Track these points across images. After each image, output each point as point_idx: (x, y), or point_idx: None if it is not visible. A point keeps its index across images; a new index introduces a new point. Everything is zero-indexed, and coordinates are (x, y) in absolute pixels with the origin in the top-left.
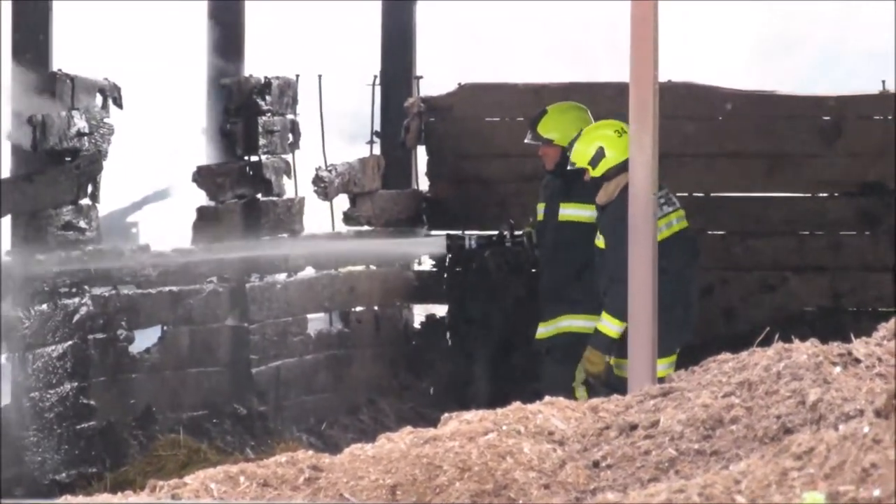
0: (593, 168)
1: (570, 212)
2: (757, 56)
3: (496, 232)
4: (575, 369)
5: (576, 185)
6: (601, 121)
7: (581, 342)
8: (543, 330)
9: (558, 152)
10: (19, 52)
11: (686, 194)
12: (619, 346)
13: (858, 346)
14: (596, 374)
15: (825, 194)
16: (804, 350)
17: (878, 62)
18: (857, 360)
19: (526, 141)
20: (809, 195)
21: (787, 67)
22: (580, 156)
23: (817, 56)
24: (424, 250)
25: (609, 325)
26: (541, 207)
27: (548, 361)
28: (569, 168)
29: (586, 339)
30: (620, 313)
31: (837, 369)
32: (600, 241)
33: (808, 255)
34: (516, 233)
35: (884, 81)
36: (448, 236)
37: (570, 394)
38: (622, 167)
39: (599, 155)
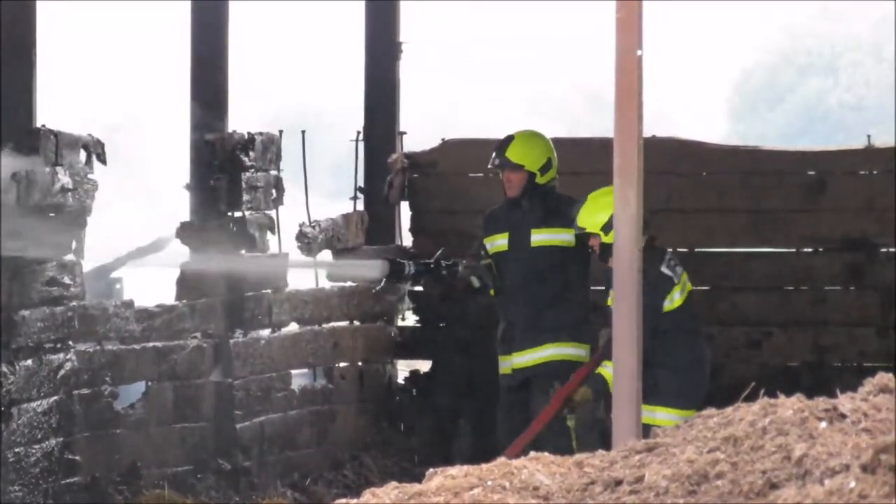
0: (605, 234)
1: (544, 237)
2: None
3: (431, 260)
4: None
5: (547, 209)
6: (604, 188)
7: (570, 370)
8: (526, 359)
9: (524, 178)
10: (4, 109)
11: (670, 249)
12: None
13: (844, 402)
14: (577, 405)
15: (810, 249)
16: (789, 405)
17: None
18: (843, 416)
19: (490, 166)
20: (794, 250)
21: (771, 121)
22: (590, 222)
23: (802, 110)
24: (368, 273)
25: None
26: (499, 238)
27: (535, 392)
28: (576, 233)
29: (575, 367)
30: None
31: (823, 424)
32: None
33: (792, 310)
34: (445, 262)
35: (869, 136)
36: (389, 260)
37: (561, 425)
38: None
39: (611, 224)
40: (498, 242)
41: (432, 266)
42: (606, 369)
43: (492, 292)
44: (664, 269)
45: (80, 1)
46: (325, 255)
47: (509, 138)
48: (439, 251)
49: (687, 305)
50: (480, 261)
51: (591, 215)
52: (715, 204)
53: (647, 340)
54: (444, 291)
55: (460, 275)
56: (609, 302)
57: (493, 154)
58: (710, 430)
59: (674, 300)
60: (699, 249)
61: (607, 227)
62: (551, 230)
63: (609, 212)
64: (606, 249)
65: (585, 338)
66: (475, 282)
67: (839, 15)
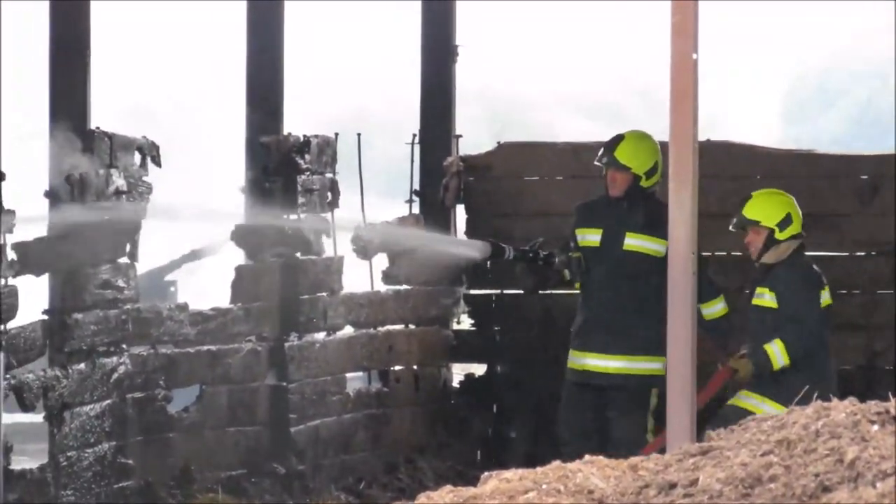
0: (780, 231)
1: (637, 242)
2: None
3: (528, 247)
4: (646, 415)
5: (647, 215)
6: (773, 189)
7: (648, 385)
8: (603, 364)
9: (630, 179)
10: (58, 110)
11: (724, 254)
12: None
13: None
14: (742, 378)
15: (862, 253)
16: (842, 409)
17: None
18: (895, 419)
19: (597, 163)
20: (846, 254)
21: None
22: (768, 216)
23: (854, 114)
24: (471, 252)
25: (778, 355)
26: (591, 233)
27: (613, 405)
28: (735, 227)
29: (659, 382)
30: (793, 351)
31: (875, 427)
32: (763, 300)
33: (844, 313)
34: (543, 252)
35: None
36: (492, 242)
37: (641, 442)
38: (799, 235)
39: (787, 221)
40: (589, 237)
41: (530, 255)
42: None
43: (577, 285)
44: (815, 268)
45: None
46: (381, 258)
47: (619, 137)
48: (537, 240)
49: (828, 312)
50: (568, 251)
51: (766, 210)
52: None
53: (815, 326)
54: (538, 281)
55: (556, 266)
56: (760, 302)
57: (602, 151)
58: (764, 434)
59: (825, 298)
60: None
61: (783, 225)
62: (646, 237)
63: (786, 210)
64: (770, 245)
65: (662, 351)
66: (567, 274)
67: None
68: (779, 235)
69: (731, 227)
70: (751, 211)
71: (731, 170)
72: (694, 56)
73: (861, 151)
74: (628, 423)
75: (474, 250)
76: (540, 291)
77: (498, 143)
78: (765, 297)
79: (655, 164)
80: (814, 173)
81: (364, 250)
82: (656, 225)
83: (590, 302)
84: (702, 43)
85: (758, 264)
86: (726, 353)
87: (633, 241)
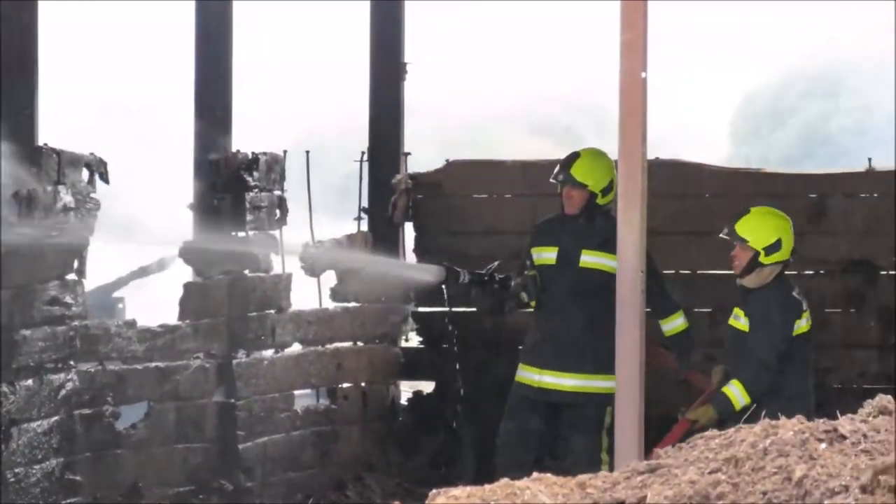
0: (766, 255)
1: (593, 259)
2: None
3: (485, 271)
4: (601, 435)
5: (603, 233)
6: (774, 209)
7: (610, 403)
8: (557, 381)
9: (586, 197)
10: (5, 127)
11: (673, 272)
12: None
13: (844, 423)
14: (701, 426)
15: (811, 272)
16: (790, 427)
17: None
18: (843, 437)
19: (553, 180)
20: (795, 273)
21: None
22: (758, 238)
23: (804, 134)
24: (425, 276)
25: (738, 396)
26: (547, 251)
27: (566, 422)
28: (724, 236)
29: (611, 399)
30: (752, 390)
31: (823, 446)
32: (738, 322)
33: None
34: (498, 276)
35: (870, 159)
36: (446, 266)
37: (596, 460)
38: (785, 263)
39: (776, 246)
40: (545, 255)
41: (486, 278)
42: (733, 390)
43: (532, 304)
44: (795, 294)
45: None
46: (330, 275)
47: (575, 155)
48: (493, 263)
49: (808, 336)
50: (525, 270)
51: (757, 231)
52: (717, 226)
53: (774, 363)
54: (494, 305)
55: (512, 290)
56: (735, 324)
57: (557, 169)
58: (712, 451)
59: (800, 326)
60: (701, 272)
61: (770, 250)
62: (602, 254)
63: (777, 235)
64: (754, 267)
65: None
66: (524, 297)
67: (840, 41)
68: (763, 259)
69: (721, 235)
70: (743, 227)
71: (680, 188)
72: (643, 74)
73: (810, 170)
74: (584, 442)
75: (428, 275)
76: (497, 315)
77: (447, 160)
78: (740, 321)
79: (611, 181)
80: (762, 192)
81: (312, 268)
82: (612, 242)
83: (545, 319)
84: (651, 61)
85: (739, 283)
86: (686, 366)
87: (590, 259)
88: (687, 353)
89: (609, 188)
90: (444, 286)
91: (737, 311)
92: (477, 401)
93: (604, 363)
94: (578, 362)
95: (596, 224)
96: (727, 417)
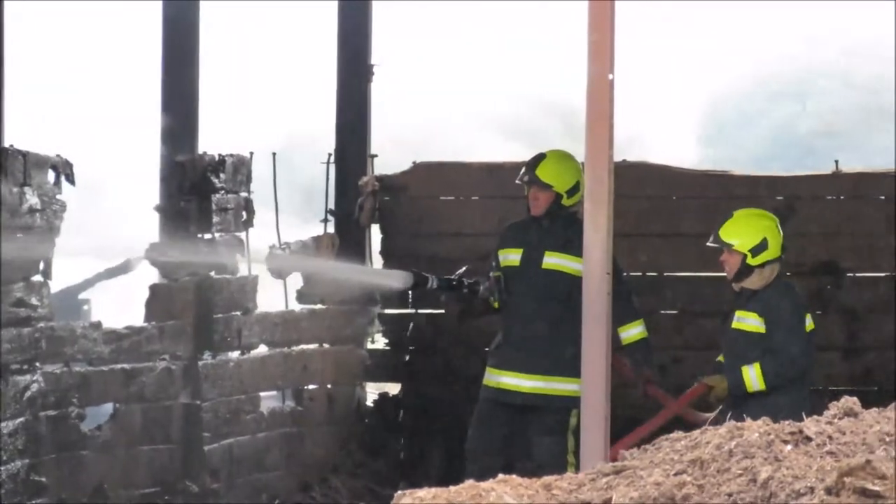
0: (753, 256)
1: (557, 261)
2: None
3: (454, 277)
4: (566, 437)
5: (567, 234)
6: (757, 209)
7: (572, 406)
8: (520, 383)
9: (551, 198)
10: None
11: (640, 274)
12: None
13: (809, 425)
14: (717, 396)
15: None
16: (756, 428)
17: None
18: (808, 439)
19: (518, 181)
20: None
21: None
22: (742, 242)
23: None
24: (393, 282)
25: (753, 379)
26: (512, 253)
27: (533, 425)
28: (711, 243)
29: (575, 402)
30: (771, 379)
31: (789, 447)
32: (746, 324)
33: None
34: (468, 281)
35: (837, 161)
36: (414, 273)
37: (562, 462)
38: (779, 259)
39: (762, 246)
40: (510, 257)
41: (454, 283)
42: (751, 374)
43: (496, 305)
44: (798, 291)
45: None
46: (296, 277)
47: (541, 156)
48: (462, 269)
49: (812, 335)
50: (491, 272)
51: (741, 234)
52: (684, 228)
53: (801, 359)
54: (464, 309)
55: (481, 294)
56: (742, 326)
57: (523, 170)
58: (677, 453)
59: (808, 324)
60: (668, 273)
61: (756, 250)
62: (566, 256)
63: (762, 235)
64: (746, 272)
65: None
66: (494, 302)
67: (808, 43)
68: (751, 261)
69: (708, 244)
70: (727, 232)
71: (647, 190)
72: (610, 76)
73: (777, 172)
74: (548, 444)
75: (396, 280)
76: (467, 319)
77: (413, 162)
78: (750, 322)
79: (577, 182)
80: (729, 194)
81: (278, 270)
82: (576, 244)
83: (509, 321)
84: (619, 64)
85: (737, 288)
86: (643, 377)
87: (553, 260)
88: (643, 364)
89: (575, 189)
90: (410, 292)
91: (741, 313)
92: (443, 402)
93: (564, 365)
94: (537, 364)
95: (560, 226)
96: (737, 395)
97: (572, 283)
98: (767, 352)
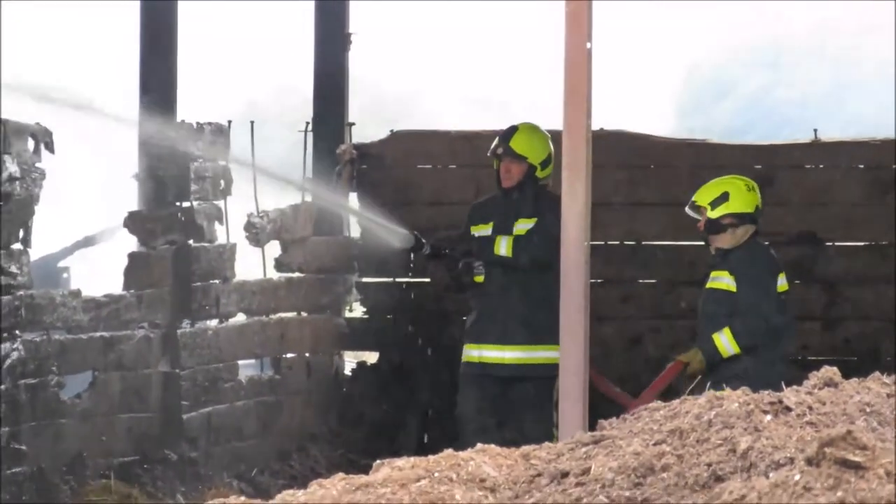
0: (712, 209)
1: (528, 227)
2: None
3: (447, 250)
4: (552, 407)
5: (537, 204)
6: (733, 175)
7: (555, 374)
8: (500, 355)
9: (524, 170)
10: None
11: (617, 243)
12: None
13: (789, 395)
14: (694, 370)
15: None
16: (735, 398)
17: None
18: (788, 409)
19: (491, 154)
20: None
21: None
22: (705, 198)
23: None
24: (393, 238)
25: (726, 344)
26: (484, 228)
27: (518, 392)
28: (689, 210)
29: (551, 370)
30: (744, 340)
31: (768, 417)
32: (720, 283)
33: None
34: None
35: (815, 130)
36: (415, 235)
37: (549, 433)
38: (749, 218)
39: (722, 199)
40: (481, 232)
41: (445, 252)
42: (723, 339)
43: (480, 279)
44: (773, 252)
45: None
46: (274, 245)
47: (513, 128)
48: (457, 247)
49: (785, 296)
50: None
51: (706, 193)
52: (662, 197)
53: (771, 313)
54: (448, 284)
55: (476, 271)
56: (716, 285)
57: (496, 142)
58: (657, 423)
59: (781, 284)
60: (646, 243)
61: (715, 203)
62: (532, 222)
63: (723, 190)
64: (711, 228)
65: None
66: (479, 276)
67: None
68: (710, 214)
69: (686, 210)
70: (697, 195)
71: (624, 159)
72: (588, 45)
73: (754, 142)
74: (533, 416)
75: (398, 239)
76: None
77: (391, 131)
78: (723, 280)
79: (549, 155)
80: (707, 163)
81: (256, 238)
82: (547, 213)
83: (484, 295)
84: (595, 33)
85: (713, 250)
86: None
87: (525, 226)
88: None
89: (547, 161)
90: (411, 254)
91: (714, 273)
92: (421, 370)
93: (543, 334)
94: (517, 335)
95: (529, 196)
96: (714, 363)
97: None
98: (737, 312)
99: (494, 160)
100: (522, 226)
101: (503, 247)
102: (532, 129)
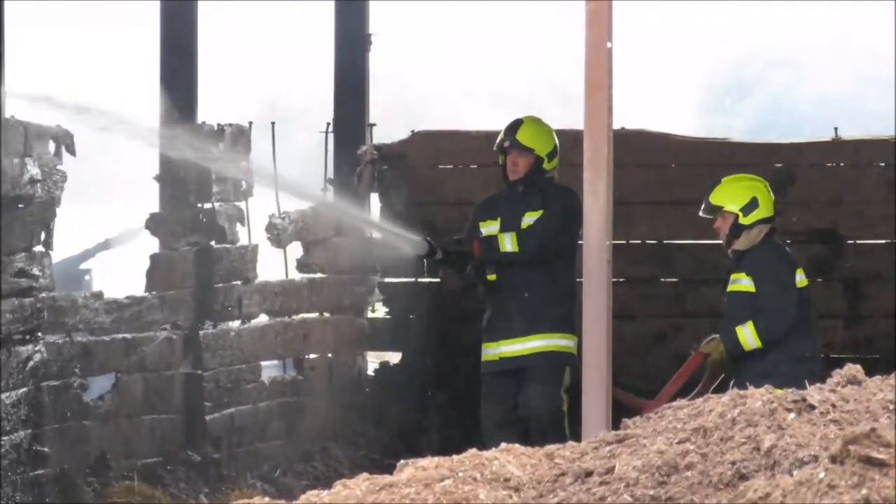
0: (744, 216)
1: (533, 219)
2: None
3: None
4: (560, 391)
5: (544, 196)
6: (744, 174)
7: (566, 362)
8: (517, 348)
9: (531, 162)
10: None
11: (639, 241)
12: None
13: (812, 393)
14: (713, 362)
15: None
16: (759, 397)
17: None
18: (812, 407)
19: (497, 148)
20: None
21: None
22: (731, 201)
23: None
24: (406, 246)
25: (748, 337)
26: (491, 224)
27: (528, 381)
28: (703, 213)
29: (569, 359)
30: (766, 335)
31: (792, 415)
32: (740, 285)
33: None
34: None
35: (836, 129)
36: (428, 241)
37: (556, 415)
38: (769, 219)
39: (753, 205)
40: (489, 228)
41: (455, 256)
42: (745, 332)
43: (493, 277)
44: (789, 250)
45: None
46: (296, 246)
47: (518, 121)
48: (456, 237)
49: (807, 295)
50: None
51: (731, 196)
52: (683, 196)
53: (791, 309)
54: (464, 285)
55: (487, 271)
56: (736, 287)
57: (502, 135)
58: (680, 422)
59: (800, 280)
60: (668, 241)
61: (747, 209)
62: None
63: (751, 195)
64: (738, 231)
65: (570, 328)
66: (493, 276)
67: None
68: (743, 220)
69: (700, 214)
70: (716, 196)
71: (645, 158)
72: (608, 45)
73: (775, 140)
74: (542, 395)
75: (412, 246)
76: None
77: (412, 131)
78: (741, 283)
79: (555, 147)
80: (728, 162)
81: (278, 238)
82: (553, 204)
83: (497, 293)
84: (616, 33)
85: (730, 252)
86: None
87: (531, 220)
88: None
89: (553, 153)
90: (424, 260)
91: (734, 275)
92: (443, 370)
93: (554, 322)
94: (530, 326)
95: (536, 188)
96: (735, 356)
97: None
98: (762, 307)
99: (500, 155)
100: (530, 219)
101: (508, 243)
102: (537, 121)
